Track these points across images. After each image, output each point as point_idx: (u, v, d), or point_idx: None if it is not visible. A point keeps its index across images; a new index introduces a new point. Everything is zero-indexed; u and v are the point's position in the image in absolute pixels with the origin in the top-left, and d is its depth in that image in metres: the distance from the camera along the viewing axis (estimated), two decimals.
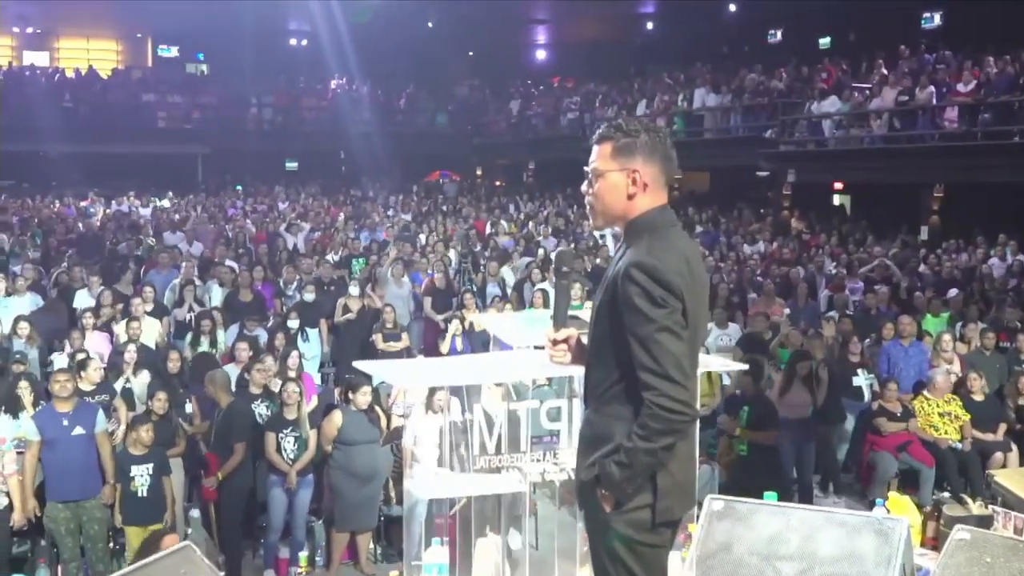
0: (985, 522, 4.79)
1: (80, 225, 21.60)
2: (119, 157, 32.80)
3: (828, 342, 11.80)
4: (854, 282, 15.69)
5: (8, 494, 8.10)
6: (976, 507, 4.92)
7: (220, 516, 8.97)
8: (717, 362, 7.49)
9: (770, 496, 4.51)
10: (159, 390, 9.40)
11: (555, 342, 3.46)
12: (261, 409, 9.40)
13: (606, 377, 3.25)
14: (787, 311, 13.99)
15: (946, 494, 7.91)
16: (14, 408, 9.06)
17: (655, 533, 3.24)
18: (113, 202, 27.18)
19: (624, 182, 3.29)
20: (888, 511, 4.88)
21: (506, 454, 4.04)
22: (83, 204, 26.70)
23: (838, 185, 25.56)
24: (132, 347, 10.66)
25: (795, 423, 10.20)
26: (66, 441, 8.19)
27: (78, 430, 8.25)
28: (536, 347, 4.04)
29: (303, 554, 3.99)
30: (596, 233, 20.93)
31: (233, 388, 9.51)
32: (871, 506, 9.96)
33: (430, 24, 34.36)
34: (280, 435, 8.78)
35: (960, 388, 11.03)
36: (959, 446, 10.48)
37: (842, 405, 11.03)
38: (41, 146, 30.09)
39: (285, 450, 8.81)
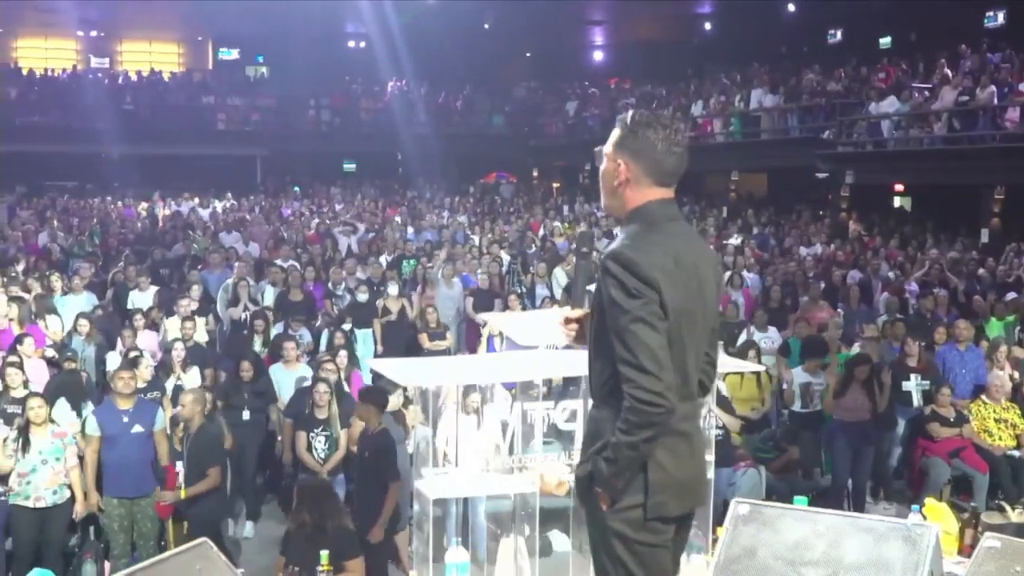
0: None
1: (139, 225, 21.90)
2: (179, 159, 33.31)
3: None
4: (911, 285, 15.44)
5: (70, 487, 8.22)
6: (1016, 515, 4.79)
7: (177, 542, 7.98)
8: (732, 363, 7.39)
9: (800, 501, 4.42)
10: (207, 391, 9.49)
11: (568, 320, 3.52)
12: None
13: (603, 371, 3.26)
14: (840, 314, 13.82)
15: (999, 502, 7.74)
16: (76, 402, 9.24)
17: (651, 531, 3.23)
18: (172, 203, 27.52)
19: (613, 172, 3.35)
20: (925, 517, 4.77)
21: (519, 455, 4.01)
22: (144, 205, 27.06)
23: (899, 187, 25.20)
24: (180, 345, 10.76)
25: (852, 426, 10.07)
26: (125, 438, 8.28)
27: (137, 428, 8.35)
28: (547, 347, 4.02)
29: (324, 552, 4.00)
30: None
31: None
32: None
33: (486, 25, 34.40)
34: (311, 434, 8.81)
35: (1017, 394, 10.83)
36: (1017, 453, 10.27)
37: (895, 410, 10.83)
38: (103, 148, 30.54)
39: (316, 449, 8.85)
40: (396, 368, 4.32)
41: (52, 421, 8.32)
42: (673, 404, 3.08)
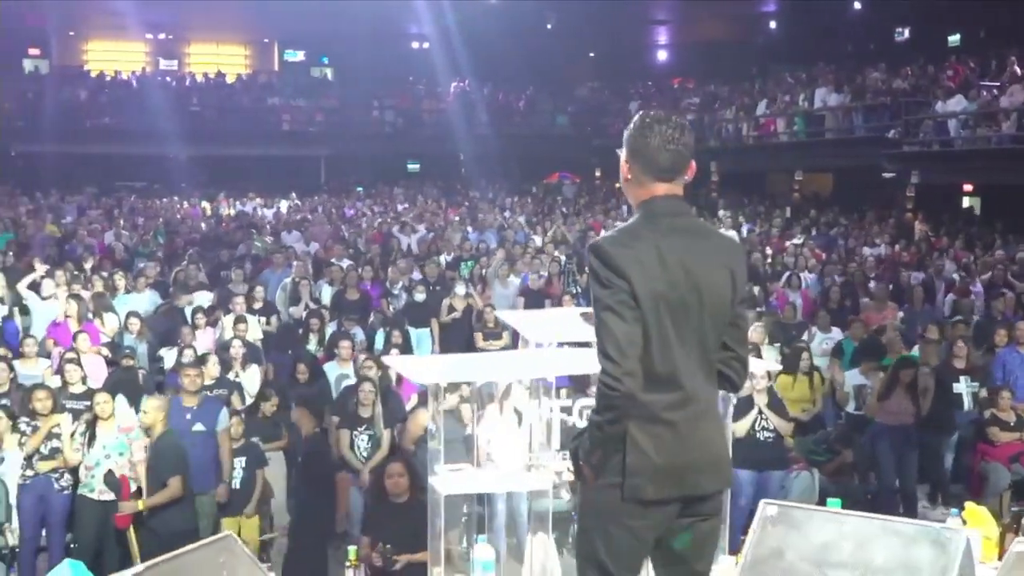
0: None
1: (203, 225, 22.20)
2: (245, 159, 33.71)
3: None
4: (976, 287, 15.17)
5: (137, 481, 8.37)
6: None
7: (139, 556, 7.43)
8: (757, 364, 7.32)
9: (834, 504, 4.36)
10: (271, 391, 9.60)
11: None
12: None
13: None
14: (901, 315, 13.63)
15: None
16: (136, 398, 9.40)
17: (627, 515, 3.36)
18: (237, 203, 27.87)
19: (621, 169, 3.54)
20: (965, 521, 4.69)
21: (536, 452, 4.00)
22: (209, 205, 27.43)
23: (967, 187, 24.75)
24: (238, 343, 10.89)
25: (895, 430, 9.91)
26: (187, 436, 8.31)
27: (199, 426, 8.46)
28: (561, 344, 4.02)
29: (352, 548, 4.02)
30: None
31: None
32: None
33: (549, 26, 34.39)
34: (354, 432, 8.85)
35: None
36: None
37: (952, 414, 10.63)
38: (171, 149, 31.00)
39: (358, 448, 8.88)
40: (413, 366, 4.33)
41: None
42: (630, 389, 3.20)
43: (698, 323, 3.36)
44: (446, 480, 3.77)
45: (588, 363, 3.61)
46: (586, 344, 3.74)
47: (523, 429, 3.98)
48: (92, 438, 8.20)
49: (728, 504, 4.15)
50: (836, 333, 12.50)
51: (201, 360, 10.10)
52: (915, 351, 11.55)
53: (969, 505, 4.75)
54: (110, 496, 8.08)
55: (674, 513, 3.41)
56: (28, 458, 8.36)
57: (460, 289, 13.82)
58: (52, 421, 8.43)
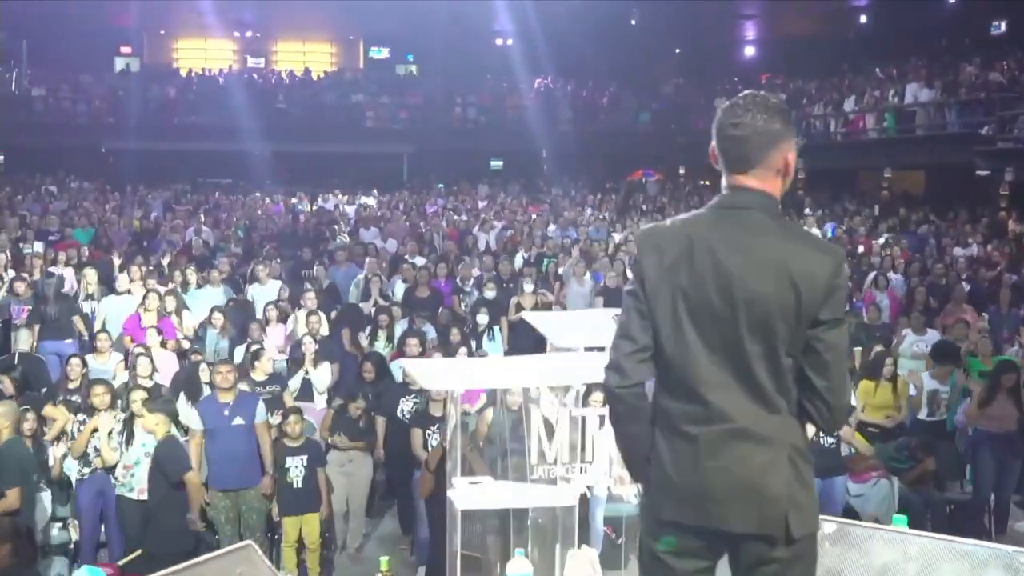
0: None
1: (279, 221, 22.32)
2: (329, 156, 33.93)
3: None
4: None
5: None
6: None
7: None
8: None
9: (899, 521, 4.08)
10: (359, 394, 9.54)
11: None
12: (407, 405, 9.36)
13: None
14: (986, 317, 13.11)
15: None
16: (194, 394, 9.41)
17: (650, 535, 3.09)
18: (319, 199, 28.04)
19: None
20: None
21: (566, 464, 3.77)
22: (292, 201, 27.63)
23: None
24: (310, 339, 10.83)
25: (997, 438, 9.50)
26: (226, 431, 8.38)
27: (238, 420, 8.44)
28: (588, 348, 3.78)
29: (384, 559, 3.85)
30: None
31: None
32: None
33: (633, 22, 34.07)
34: (427, 432, 8.70)
35: None
36: None
37: None
38: (257, 146, 31.34)
39: (431, 447, 8.74)
40: (422, 369, 4.15)
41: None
42: (610, 384, 3.03)
43: (732, 333, 2.95)
44: (464, 494, 3.58)
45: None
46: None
47: (556, 438, 3.76)
48: (130, 436, 8.15)
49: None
50: (932, 335, 11.99)
51: (255, 356, 10.08)
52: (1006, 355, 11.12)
53: None
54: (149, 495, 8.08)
55: (704, 548, 3.05)
56: (82, 456, 8.35)
57: (528, 287, 13.63)
58: (97, 420, 8.38)
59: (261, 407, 8.70)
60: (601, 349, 3.68)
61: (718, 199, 3.10)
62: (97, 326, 12.15)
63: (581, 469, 3.74)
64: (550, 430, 3.63)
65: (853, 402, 9.54)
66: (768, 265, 2.95)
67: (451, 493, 3.65)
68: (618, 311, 3.25)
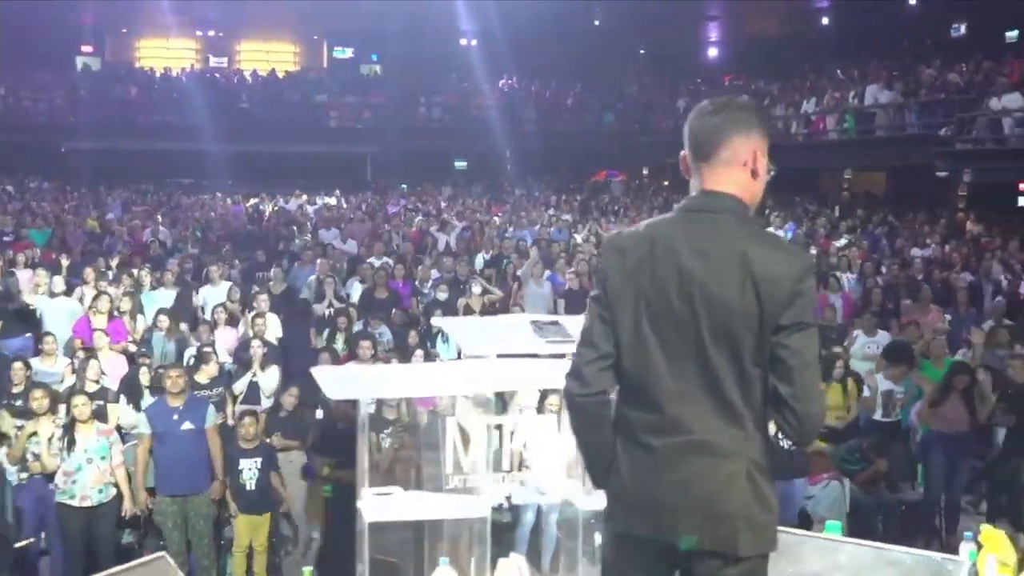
0: None
1: (236, 222, 22.17)
2: (292, 156, 33.79)
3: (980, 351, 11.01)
4: None
5: (116, 485, 8.24)
6: None
7: None
8: None
9: (833, 527, 4.05)
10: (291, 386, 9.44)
11: None
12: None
13: None
14: (948, 318, 13.16)
15: None
16: (136, 398, 9.30)
17: (608, 543, 3.05)
18: (281, 199, 27.87)
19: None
20: (980, 544, 4.34)
21: (481, 473, 3.71)
22: (253, 201, 27.47)
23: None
24: (258, 342, 10.72)
25: (949, 438, 9.50)
26: (175, 435, 8.29)
27: (187, 425, 8.35)
28: (500, 355, 3.71)
29: (307, 568, 3.76)
30: None
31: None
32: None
33: (596, 23, 34.10)
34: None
35: None
36: None
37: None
38: (219, 146, 31.15)
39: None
40: (328, 377, 4.07)
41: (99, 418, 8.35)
42: (570, 390, 2.97)
43: (695, 340, 2.87)
44: (372, 506, 3.51)
45: (526, 376, 3.30)
46: (532, 356, 3.44)
47: (471, 447, 3.69)
48: (72, 442, 8.02)
49: None
50: (882, 337, 12.03)
51: (200, 358, 9.98)
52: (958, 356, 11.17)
53: (985, 528, 4.39)
54: (91, 502, 7.99)
55: (659, 561, 2.98)
56: (20, 460, 8.21)
57: (476, 288, 13.57)
58: (35, 425, 8.24)
59: (211, 411, 8.63)
60: (517, 356, 3.65)
61: (685, 202, 3.02)
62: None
63: (503, 478, 3.67)
64: (466, 439, 3.57)
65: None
66: (732, 269, 2.86)
67: (359, 504, 3.58)
68: (537, 318, 3.21)
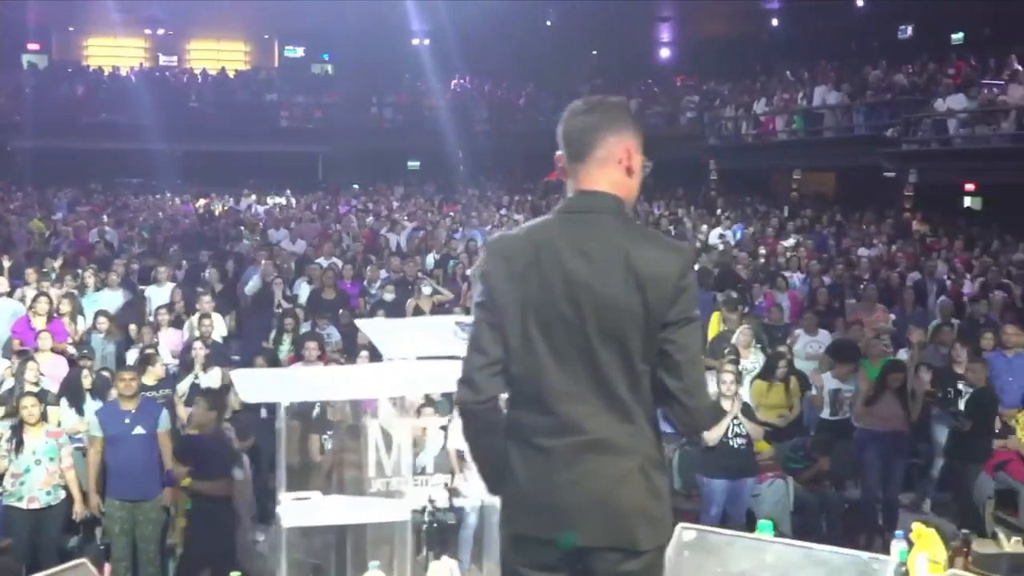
0: (1020, 560, 4.25)
1: (186, 222, 21.95)
2: (243, 156, 33.45)
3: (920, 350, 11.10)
4: (968, 288, 14.84)
5: (66, 488, 8.13)
6: (1011, 544, 4.36)
7: None
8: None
9: (764, 527, 4.05)
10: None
11: None
12: None
13: None
14: (892, 317, 13.28)
15: None
16: (77, 401, 9.17)
17: (508, 548, 3.02)
18: (231, 199, 27.65)
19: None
20: (911, 543, 4.38)
21: (403, 476, 3.68)
22: (203, 201, 27.22)
23: (969, 186, 24.34)
24: (200, 344, 10.62)
25: (884, 436, 9.57)
26: (126, 440, 8.17)
27: (138, 430, 8.22)
28: (420, 358, 3.69)
29: (235, 573, 3.73)
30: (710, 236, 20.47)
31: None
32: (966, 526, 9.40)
33: (548, 23, 34.13)
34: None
35: None
36: None
37: (930, 420, 10.35)
38: (168, 145, 30.84)
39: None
40: (245, 381, 4.02)
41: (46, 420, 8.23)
42: (462, 399, 2.94)
43: (583, 341, 2.89)
44: (291, 510, 3.46)
45: (447, 378, 3.27)
46: (452, 358, 3.41)
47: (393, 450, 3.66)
48: (20, 444, 7.90)
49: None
50: (823, 336, 12.14)
51: (145, 360, 9.86)
52: (902, 355, 11.26)
53: (917, 526, 4.43)
54: (39, 504, 7.89)
55: (560, 562, 2.96)
56: None
57: (426, 289, 13.52)
58: None
59: (165, 416, 8.50)
60: (440, 358, 3.61)
61: (564, 203, 3.04)
62: None
63: (425, 481, 3.65)
64: (388, 442, 3.53)
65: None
66: (615, 268, 2.89)
67: (278, 510, 3.53)
68: (461, 318, 3.19)
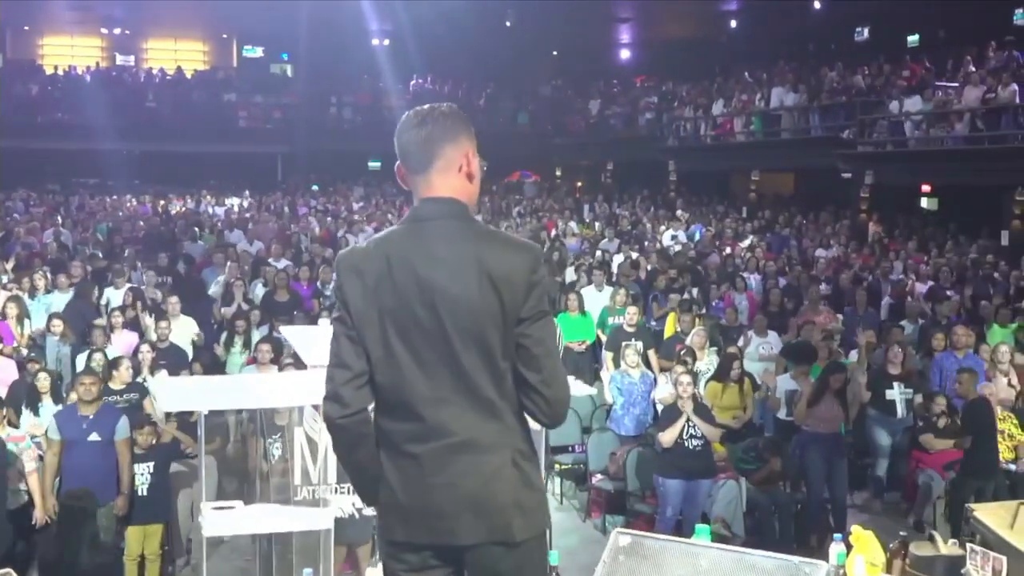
0: (956, 563, 4.28)
1: (141, 224, 21.77)
2: (201, 156, 33.26)
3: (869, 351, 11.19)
4: (919, 289, 14.98)
5: (28, 492, 8.06)
6: (947, 546, 4.39)
7: None
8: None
9: (702, 532, 4.06)
10: None
11: None
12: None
13: None
14: (840, 318, 13.37)
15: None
16: (33, 403, 9.06)
17: (388, 556, 3.03)
18: (190, 200, 27.46)
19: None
20: (850, 546, 4.40)
21: (328, 484, 3.65)
22: (160, 202, 27.01)
23: (925, 188, 24.58)
24: (147, 347, 10.52)
25: (824, 438, 9.63)
26: (82, 445, 8.06)
27: (95, 436, 8.11)
28: None
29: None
30: (663, 238, 20.57)
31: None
32: (919, 527, 9.47)
33: (508, 23, 34.08)
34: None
35: (1018, 404, 10.36)
36: (1014, 467, 9.79)
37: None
38: (125, 145, 30.58)
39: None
40: (165, 389, 3.98)
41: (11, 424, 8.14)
42: (329, 415, 2.95)
43: (444, 345, 2.95)
44: (212, 520, 3.43)
45: None
46: None
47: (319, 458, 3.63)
48: None
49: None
50: (772, 337, 12.23)
51: (113, 364, 9.75)
52: (852, 355, 11.34)
53: (856, 529, 4.45)
54: None
55: (440, 565, 3.02)
56: None
57: None
58: None
59: (123, 423, 8.31)
60: None
61: (410, 212, 3.11)
62: None
63: (349, 489, 3.61)
64: (314, 449, 3.50)
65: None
66: (469, 270, 2.95)
67: (200, 519, 3.49)
68: None
